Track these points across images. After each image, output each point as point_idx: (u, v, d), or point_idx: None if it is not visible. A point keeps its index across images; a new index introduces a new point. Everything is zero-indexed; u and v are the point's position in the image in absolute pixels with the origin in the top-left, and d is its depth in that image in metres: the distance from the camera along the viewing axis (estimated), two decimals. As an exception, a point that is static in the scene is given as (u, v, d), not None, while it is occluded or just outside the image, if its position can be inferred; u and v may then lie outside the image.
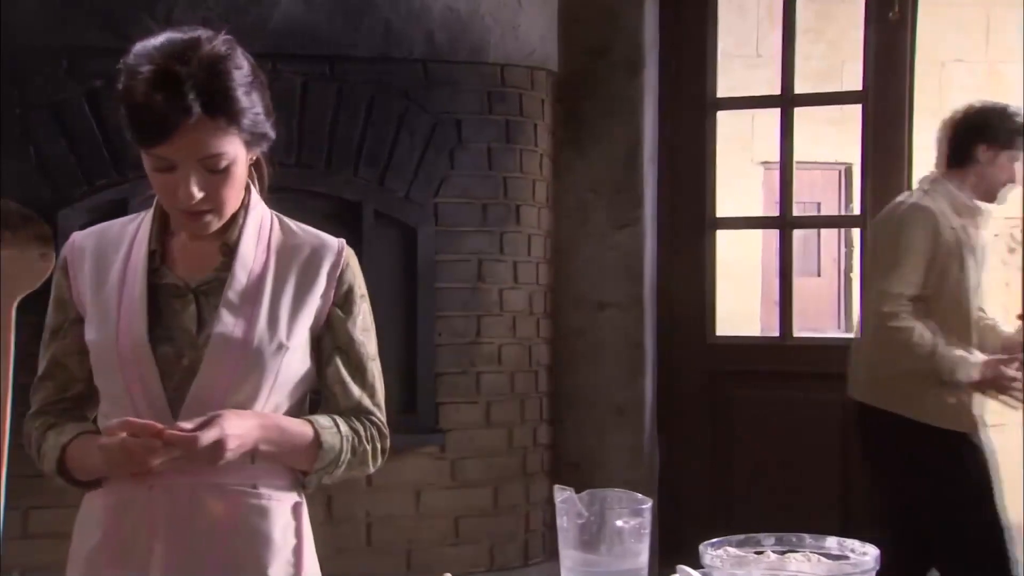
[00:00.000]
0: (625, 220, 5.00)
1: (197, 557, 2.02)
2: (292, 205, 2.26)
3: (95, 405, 2.14)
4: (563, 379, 5.00)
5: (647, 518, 1.86)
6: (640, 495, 1.88)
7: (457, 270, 4.66)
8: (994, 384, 3.88)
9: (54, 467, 2.06)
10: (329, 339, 2.12)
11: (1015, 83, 6.11)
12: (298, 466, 2.09)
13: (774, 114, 5.16)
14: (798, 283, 5.21)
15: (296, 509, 2.11)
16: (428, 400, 4.60)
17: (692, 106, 5.10)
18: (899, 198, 4.11)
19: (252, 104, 1.97)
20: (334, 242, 2.14)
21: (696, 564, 1.88)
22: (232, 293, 2.04)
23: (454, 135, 4.64)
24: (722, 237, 5.23)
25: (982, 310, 4.06)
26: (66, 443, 2.05)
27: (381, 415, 2.17)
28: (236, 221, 2.08)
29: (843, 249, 8.30)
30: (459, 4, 4.60)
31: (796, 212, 5.23)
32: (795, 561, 1.84)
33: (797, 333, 5.11)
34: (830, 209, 8.19)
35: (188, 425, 1.92)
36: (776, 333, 5.24)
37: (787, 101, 5.03)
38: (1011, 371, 3.86)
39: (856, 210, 6.62)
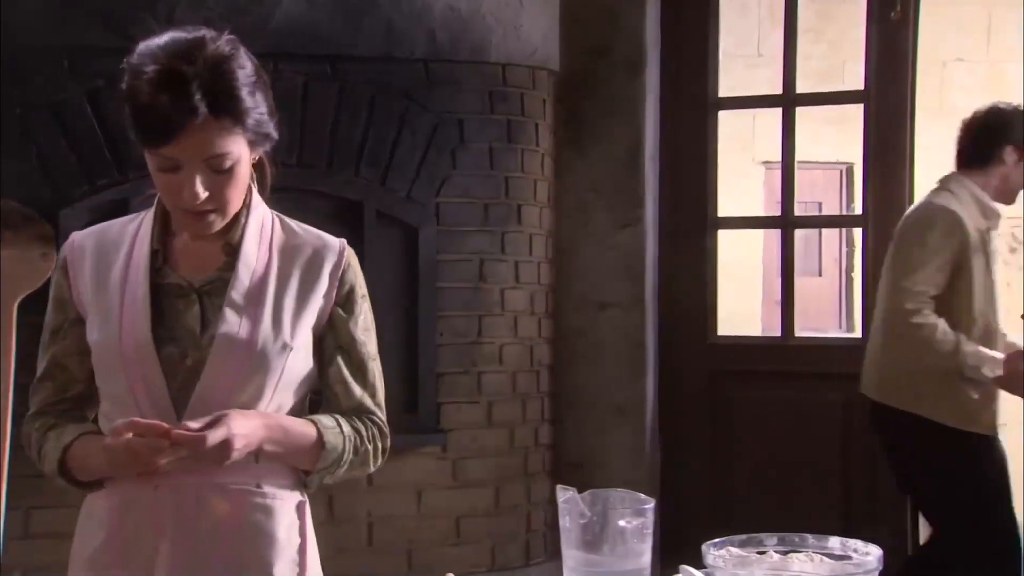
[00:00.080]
0: (626, 220, 5.00)
1: (202, 557, 2.02)
2: (293, 205, 2.26)
3: (95, 406, 2.14)
4: (564, 379, 5.00)
5: (650, 518, 1.86)
6: (643, 495, 1.88)
7: (458, 270, 4.66)
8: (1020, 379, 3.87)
9: (55, 468, 2.05)
10: (331, 339, 2.12)
11: (1016, 82, 6.11)
12: (301, 466, 2.10)
13: (775, 114, 5.15)
14: (799, 283, 5.20)
15: (300, 508, 2.12)
16: (429, 400, 4.60)
17: (693, 106, 5.09)
18: (926, 198, 4.12)
19: (256, 104, 1.97)
20: (335, 242, 2.15)
21: (697, 564, 1.88)
22: (236, 293, 2.04)
23: (455, 135, 4.64)
24: (723, 237, 5.22)
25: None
26: (68, 444, 2.04)
27: (382, 415, 2.17)
28: (238, 221, 2.07)
29: (844, 249, 8.30)
30: (460, 4, 4.60)
31: (797, 212, 5.23)
32: (798, 561, 1.85)
33: (798, 333, 5.11)
34: (831, 209, 8.19)
35: (194, 425, 1.92)
36: (777, 333, 5.24)
37: (789, 101, 5.02)
38: None
39: (858, 210, 6.64)
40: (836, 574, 1.80)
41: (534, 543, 4.83)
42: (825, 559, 1.85)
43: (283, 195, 2.19)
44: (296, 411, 2.11)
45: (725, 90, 5.20)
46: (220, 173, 1.97)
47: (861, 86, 4.96)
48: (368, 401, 2.15)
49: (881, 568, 1.81)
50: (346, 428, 2.10)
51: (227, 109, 1.93)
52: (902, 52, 4.78)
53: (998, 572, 3.93)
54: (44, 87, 4.22)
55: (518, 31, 4.73)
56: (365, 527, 4.52)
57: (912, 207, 4.13)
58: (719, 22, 5.13)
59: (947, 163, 5.77)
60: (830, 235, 8.45)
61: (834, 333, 7.73)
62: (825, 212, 8.17)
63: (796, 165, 5.05)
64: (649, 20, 5.02)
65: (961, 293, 3.92)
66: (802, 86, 5.03)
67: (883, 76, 4.81)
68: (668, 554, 2.85)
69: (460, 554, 4.61)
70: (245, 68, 1.97)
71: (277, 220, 2.14)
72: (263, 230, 2.11)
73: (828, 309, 8.33)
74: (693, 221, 5.10)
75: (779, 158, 5.11)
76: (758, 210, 7.45)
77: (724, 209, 5.27)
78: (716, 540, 1.85)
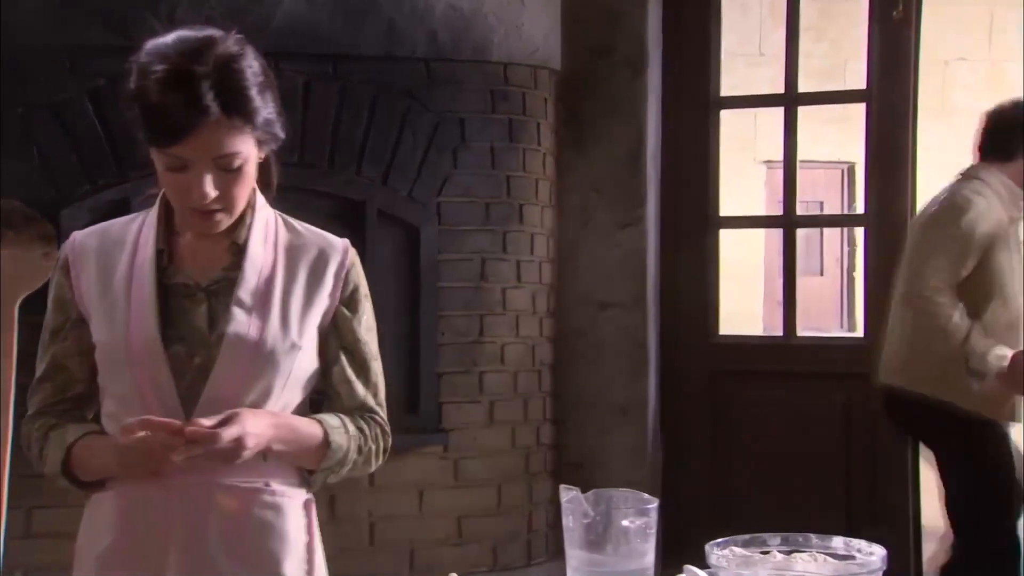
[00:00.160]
0: (628, 219, 4.99)
1: (213, 556, 2.02)
2: (295, 204, 2.25)
3: (94, 406, 2.13)
4: (566, 379, 5.00)
5: (653, 518, 1.85)
6: (646, 495, 1.87)
7: (460, 269, 4.65)
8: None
9: (58, 468, 2.04)
10: (335, 338, 2.13)
11: (1018, 82, 6.11)
12: (306, 465, 2.10)
13: (776, 113, 5.15)
14: (800, 282, 5.20)
15: (307, 506, 2.12)
16: (431, 400, 4.59)
17: (695, 105, 5.08)
18: (951, 187, 4.13)
19: (265, 103, 1.98)
20: (339, 242, 2.15)
21: (698, 564, 1.88)
22: (243, 292, 2.04)
23: (457, 134, 4.63)
24: (724, 237, 5.21)
25: None
26: (71, 444, 2.04)
27: (384, 414, 2.18)
28: (244, 220, 2.08)
29: (846, 248, 8.30)
30: (462, 3, 4.60)
31: (799, 211, 5.22)
32: (801, 561, 1.84)
33: (800, 333, 5.11)
34: (832, 208, 8.19)
35: (207, 422, 1.92)
36: (778, 333, 5.23)
37: (791, 100, 5.02)
38: None
39: (859, 209, 6.63)
40: (840, 574, 1.80)
41: (536, 543, 4.83)
42: (829, 559, 1.84)
43: (284, 195, 2.19)
44: (300, 410, 2.11)
45: (726, 89, 5.19)
46: (229, 172, 1.97)
47: (863, 85, 4.95)
48: (371, 400, 2.16)
49: (885, 568, 1.80)
50: (351, 428, 2.11)
51: (237, 108, 1.93)
52: (904, 51, 4.77)
53: (998, 571, 3.94)
54: (45, 87, 4.22)
55: (520, 30, 4.73)
56: (367, 527, 4.52)
57: (937, 196, 4.13)
58: (720, 21, 5.12)
59: (949, 162, 5.75)
60: (831, 234, 8.46)
61: (836, 332, 7.73)
62: (826, 211, 8.17)
63: (798, 164, 5.04)
64: (651, 19, 5.02)
65: (986, 283, 3.94)
66: (803, 85, 5.03)
67: (885, 75, 4.80)
68: (669, 554, 2.83)
69: (461, 554, 4.60)
70: (253, 67, 1.97)
71: (280, 220, 2.15)
72: (268, 230, 2.11)
73: (830, 309, 8.33)
74: (694, 220, 5.10)
75: (780, 157, 5.11)
76: (759, 209, 7.46)
77: (725, 208, 5.27)
78: (720, 540, 1.85)
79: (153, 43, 1.97)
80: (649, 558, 1.85)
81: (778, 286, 5.29)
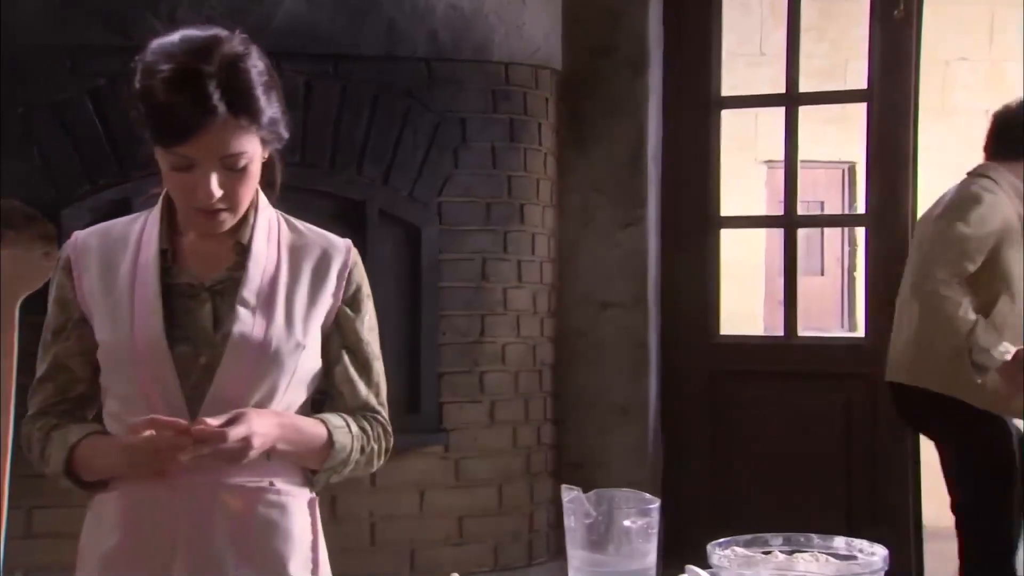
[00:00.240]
0: (629, 219, 4.99)
1: (218, 555, 2.02)
2: (296, 204, 2.25)
3: (95, 407, 2.13)
4: (567, 378, 5.00)
5: (655, 518, 1.85)
6: (648, 495, 1.87)
7: (461, 269, 4.65)
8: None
9: (61, 468, 2.04)
10: (337, 338, 2.13)
11: (1018, 82, 6.11)
12: (310, 465, 2.11)
13: (777, 113, 5.14)
14: (801, 282, 5.19)
15: (311, 505, 2.13)
16: (432, 399, 4.59)
17: (696, 105, 5.08)
18: (962, 183, 4.15)
19: (271, 102, 1.98)
20: (341, 242, 2.16)
21: (699, 564, 1.88)
22: (248, 292, 2.04)
23: (458, 134, 4.63)
24: (724, 236, 5.21)
25: None
26: (74, 443, 2.04)
27: (386, 414, 2.19)
28: (247, 220, 2.08)
29: (847, 248, 8.29)
30: (463, 3, 4.59)
31: (800, 211, 5.22)
32: (803, 561, 1.84)
33: (801, 332, 5.10)
34: (833, 208, 8.18)
35: (214, 422, 1.92)
36: (779, 332, 5.23)
37: (792, 100, 5.01)
38: None
39: (860, 209, 6.63)
40: (842, 574, 1.79)
41: (537, 543, 4.83)
42: (830, 559, 1.84)
43: (285, 194, 2.19)
44: (302, 410, 2.12)
45: (727, 89, 5.19)
46: (234, 172, 1.97)
47: (863, 85, 4.94)
48: (373, 400, 2.17)
49: (886, 568, 1.80)
50: (354, 428, 2.12)
51: (244, 108, 1.93)
52: (905, 51, 4.76)
53: (997, 571, 3.95)
54: (45, 87, 4.22)
55: (520, 30, 4.73)
56: (368, 527, 4.52)
57: (946, 194, 4.15)
58: (721, 21, 5.12)
59: (950, 162, 5.76)
60: (832, 234, 8.45)
61: (836, 332, 7.72)
62: (827, 211, 8.16)
63: (798, 164, 5.03)
64: (651, 19, 5.02)
65: (995, 279, 3.94)
66: (804, 85, 5.02)
67: (886, 75, 4.80)
68: (669, 554, 2.84)
69: (462, 554, 4.60)
70: (259, 67, 1.98)
71: (283, 220, 2.15)
72: (271, 229, 2.11)
73: (830, 309, 8.32)
74: (695, 220, 5.10)
75: (781, 157, 5.10)
76: (760, 209, 7.45)
77: (726, 208, 5.27)
78: (721, 540, 1.85)
79: (158, 42, 1.97)
80: (651, 558, 1.85)
81: (779, 286, 5.29)
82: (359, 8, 4.45)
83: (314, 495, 2.14)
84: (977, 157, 4.30)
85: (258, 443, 1.95)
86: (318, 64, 4.42)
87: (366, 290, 2.16)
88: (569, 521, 1.86)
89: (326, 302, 2.11)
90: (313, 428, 2.07)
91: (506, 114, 4.72)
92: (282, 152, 2.10)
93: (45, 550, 4.01)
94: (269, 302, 2.05)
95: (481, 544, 4.68)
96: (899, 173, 4.78)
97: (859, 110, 4.99)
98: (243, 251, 2.07)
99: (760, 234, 7.43)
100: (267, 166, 2.07)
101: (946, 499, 4.23)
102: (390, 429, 2.18)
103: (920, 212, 4.68)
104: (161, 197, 2.10)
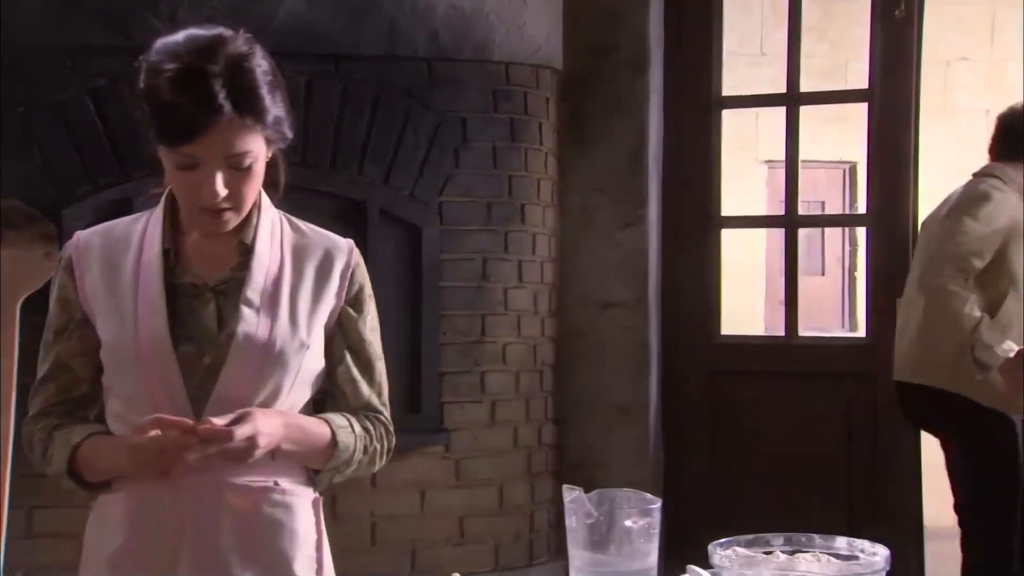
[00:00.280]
0: (630, 219, 4.99)
1: (224, 555, 2.02)
2: (297, 204, 2.25)
3: (96, 407, 2.13)
4: (567, 378, 4.99)
5: (656, 518, 1.85)
6: (649, 495, 1.87)
7: (461, 269, 4.65)
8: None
9: (63, 468, 2.04)
10: (340, 338, 2.13)
11: (1019, 81, 6.11)
12: (312, 465, 2.11)
13: (777, 113, 5.14)
14: (802, 282, 5.19)
15: (315, 505, 2.13)
16: (432, 399, 4.59)
17: (696, 105, 5.08)
18: (969, 183, 4.18)
19: (275, 102, 1.98)
20: (344, 242, 2.16)
21: (700, 563, 1.87)
22: (252, 292, 2.04)
23: (459, 134, 4.63)
24: (725, 236, 5.21)
25: None
26: (77, 443, 2.03)
27: (388, 414, 2.19)
28: (250, 220, 2.08)
29: (847, 248, 8.28)
30: (463, 2, 4.59)
31: (800, 211, 5.21)
32: (805, 561, 1.84)
33: (801, 332, 5.10)
34: (834, 208, 8.18)
35: (220, 421, 1.92)
36: (779, 332, 5.23)
37: (793, 99, 5.01)
38: None
39: (861, 209, 6.63)
40: (843, 574, 1.79)
41: (537, 543, 4.82)
42: (832, 559, 1.84)
43: (286, 194, 2.19)
44: (304, 411, 2.12)
45: (727, 89, 5.19)
46: (239, 171, 1.97)
47: (863, 85, 4.94)
48: (375, 400, 2.17)
49: (888, 568, 1.80)
50: (357, 427, 2.12)
51: (249, 107, 1.93)
52: (906, 51, 4.76)
53: (1000, 570, 3.95)
54: (46, 86, 4.22)
55: (521, 30, 4.73)
56: (368, 527, 4.51)
57: (952, 193, 4.16)
58: (722, 21, 5.12)
59: (950, 161, 5.76)
60: (833, 234, 8.44)
61: (837, 332, 7.72)
62: (828, 211, 8.15)
63: (799, 164, 5.03)
64: (652, 19, 5.02)
65: (1002, 277, 3.95)
66: (805, 85, 5.02)
67: (887, 75, 4.80)
68: (670, 554, 2.83)
69: (463, 554, 4.60)
70: (263, 66, 1.98)
71: (285, 220, 2.15)
72: (274, 230, 2.11)
73: (831, 309, 8.32)
74: (696, 220, 5.09)
75: (781, 157, 5.10)
76: (761, 209, 7.44)
77: (727, 208, 5.27)
78: (722, 540, 1.85)
79: (162, 41, 1.96)
80: (652, 558, 1.85)
81: (779, 286, 5.28)
82: (360, 8, 4.45)
83: (318, 495, 2.14)
84: (978, 157, 4.31)
85: (264, 442, 1.95)
86: (319, 64, 4.42)
87: (368, 290, 2.17)
88: (571, 521, 1.85)
89: (329, 302, 2.11)
90: (317, 428, 2.07)
91: (507, 114, 4.71)
92: (286, 152, 2.10)
93: (46, 550, 4.01)
94: (273, 302, 2.05)
95: (482, 544, 4.68)
96: (900, 173, 4.78)
97: (860, 110, 4.99)
98: (246, 251, 2.07)
99: (761, 234, 7.43)
100: (270, 166, 2.06)
101: (947, 499, 4.24)
102: (392, 429, 2.18)
103: (921, 212, 4.70)
104: (163, 197, 2.10)
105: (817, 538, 1.89)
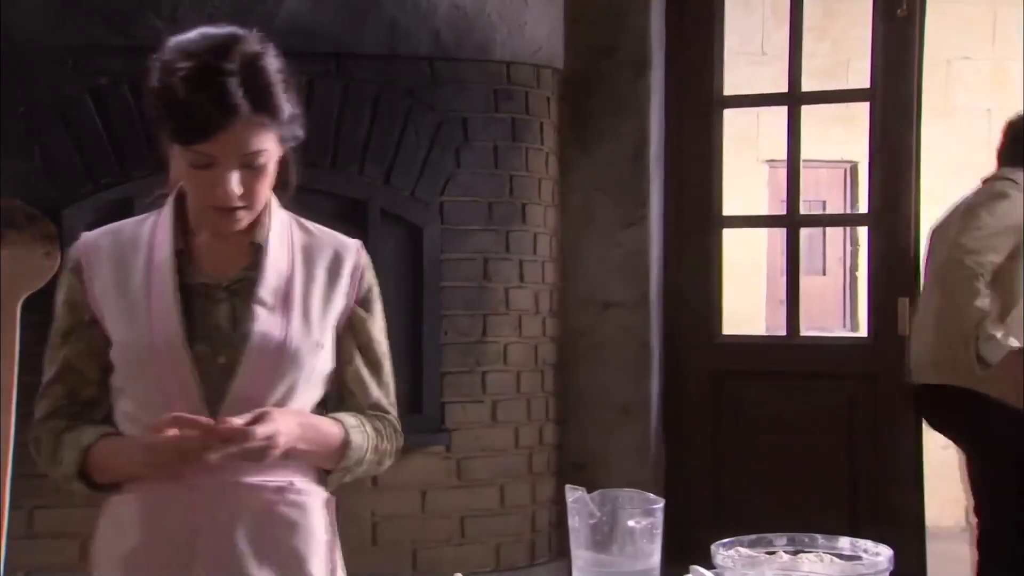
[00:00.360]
0: (631, 219, 4.99)
1: (240, 555, 2.02)
2: (297, 203, 2.25)
3: (104, 409, 2.12)
4: (569, 378, 4.99)
5: (659, 518, 1.85)
6: (652, 495, 1.87)
7: (462, 269, 4.65)
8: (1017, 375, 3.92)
9: (74, 471, 2.03)
10: (350, 338, 2.14)
11: (1021, 81, 6.10)
12: (324, 465, 2.12)
13: (778, 112, 5.13)
14: (803, 282, 5.18)
15: (328, 504, 2.14)
16: (433, 399, 4.59)
17: (698, 104, 5.08)
18: (981, 187, 4.19)
19: (289, 100, 1.99)
20: (352, 243, 2.17)
21: (701, 564, 1.87)
22: (265, 292, 2.05)
23: (460, 133, 4.63)
24: (726, 236, 5.20)
25: None
26: (88, 445, 2.03)
27: (396, 414, 2.20)
28: (261, 220, 2.08)
29: (849, 248, 8.28)
30: (465, 2, 4.59)
31: (802, 210, 5.21)
32: (808, 561, 1.83)
33: (803, 332, 5.10)
34: (835, 207, 8.17)
35: (238, 420, 1.91)
36: (781, 332, 5.22)
37: (794, 99, 5.00)
38: None
39: (862, 208, 6.62)
40: (846, 575, 1.79)
41: (539, 543, 4.82)
42: (835, 559, 1.84)
43: (282, 194, 2.19)
44: (316, 410, 2.13)
45: (729, 88, 5.18)
46: (252, 170, 1.97)
47: (866, 84, 4.94)
48: (384, 400, 2.18)
49: (891, 569, 1.80)
50: (368, 427, 2.13)
51: (264, 106, 1.94)
52: (908, 50, 4.75)
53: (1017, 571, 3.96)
54: (47, 86, 4.21)
55: (523, 29, 4.72)
56: (369, 527, 4.51)
57: (964, 198, 4.19)
58: (723, 20, 5.11)
59: (952, 161, 5.75)
60: (834, 234, 8.43)
61: (838, 332, 7.72)
62: (829, 211, 8.15)
63: (801, 164, 5.02)
64: (654, 18, 5.01)
65: (1014, 278, 3.97)
66: (806, 84, 5.02)
67: (889, 74, 4.79)
68: (672, 554, 2.83)
69: (464, 554, 4.60)
70: (276, 65, 1.98)
71: (293, 220, 2.15)
72: (284, 230, 2.12)
73: (832, 308, 8.31)
74: (697, 220, 5.09)
75: (782, 156, 5.09)
76: (762, 209, 7.43)
77: (728, 208, 5.26)
78: (725, 540, 1.84)
79: (176, 40, 1.96)
80: (655, 558, 1.85)
81: (781, 286, 5.28)
82: (361, 7, 4.45)
83: (330, 495, 2.15)
84: (979, 156, 4.32)
85: (282, 442, 1.95)
86: (320, 63, 4.42)
87: (376, 290, 2.18)
88: (573, 521, 1.85)
89: (340, 302, 2.12)
90: (331, 428, 2.08)
91: (508, 113, 4.71)
92: (297, 151, 2.10)
93: (47, 550, 4.00)
94: (286, 302, 2.05)
95: (483, 544, 4.67)
96: (901, 172, 4.77)
97: (861, 109, 4.98)
98: (258, 251, 2.07)
99: (762, 234, 7.42)
100: (281, 166, 2.06)
101: (948, 499, 4.23)
102: (400, 429, 2.19)
103: (923, 211, 4.70)
104: (171, 197, 2.10)
105: (820, 538, 1.89)
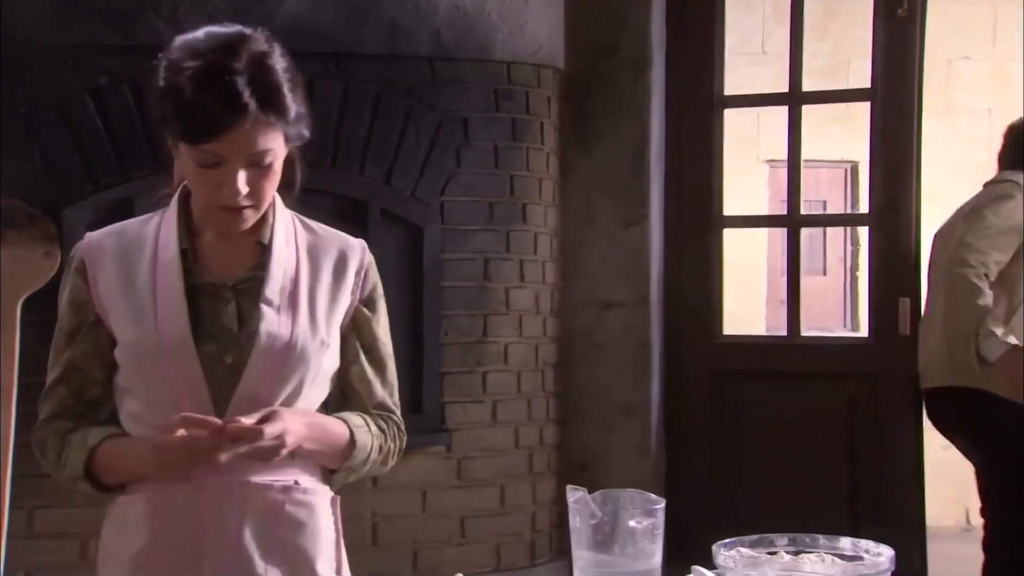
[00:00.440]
0: (632, 219, 4.99)
1: (247, 555, 2.02)
2: (298, 203, 2.25)
3: (107, 410, 2.11)
4: (569, 378, 4.99)
5: (660, 518, 1.85)
6: (653, 495, 1.87)
7: (463, 269, 4.65)
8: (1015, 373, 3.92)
9: (80, 471, 2.03)
10: (355, 338, 2.15)
11: (1021, 80, 6.10)
12: (330, 464, 2.12)
13: (779, 112, 5.13)
14: (804, 282, 5.18)
15: (333, 503, 2.14)
16: (434, 399, 4.59)
17: (698, 104, 5.07)
18: (985, 189, 4.23)
19: (295, 100, 1.99)
20: (356, 242, 2.18)
21: (702, 564, 1.87)
22: (271, 291, 2.05)
23: (460, 133, 4.62)
24: (727, 236, 5.20)
25: None
26: (95, 445, 2.03)
27: (399, 413, 2.20)
28: (266, 219, 2.08)
29: (849, 248, 8.28)
30: (465, 2, 4.59)
31: (803, 210, 5.20)
32: (809, 562, 1.83)
33: (803, 332, 5.09)
34: (836, 207, 8.17)
35: (247, 420, 1.91)
36: (781, 332, 5.22)
37: (795, 99, 5.00)
38: None
39: (863, 208, 6.62)
40: (848, 575, 1.79)
41: (539, 543, 4.82)
42: (837, 560, 1.84)
43: (287, 194, 2.18)
44: (319, 410, 2.13)
45: (729, 88, 5.18)
46: (259, 169, 1.97)
47: (866, 84, 4.93)
48: (388, 400, 2.19)
49: (893, 569, 1.79)
50: (373, 427, 2.14)
51: (272, 105, 1.94)
52: (909, 49, 4.75)
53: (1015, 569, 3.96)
54: (47, 85, 4.21)
55: (523, 29, 4.72)
56: (370, 527, 4.51)
57: (972, 198, 4.20)
58: (724, 20, 5.11)
59: (952, 161, 5.74)
60: (834, 234, 8.43)
61: (839, 332, 7.72)
62: (830, 211, 8.15)
63: (801, 163, 5.02)
64: (654, 18, 5.01)
65: (1018, 280, 3.97)
66: (807, 84, 5.01)
67: (890, 74, 4.79)
68: (672, 554, 2.83)
69: (465, 554, 4.59)
70: (283, 64, 1.99)
71: (297, 220, 2.16)
72: (288, 229, 2.12)
73: (833, 308, 8.31)
74: (698, 220, 5.09)
75: (783, 156, 5.09)
76: (762, 209, 7.44)
77: (729, 208, 5.25)
78: (727, 540, 1.85)
79: (182, 39, 1.96)
80: (656, 559, 1.85)
81: (781, 286, 5.27)
82: (361, 7, 4.45)
83: (336, 494, 2.15)
84: (980, 156, 4.33)
85: (290, 441, 1.95)
86: (320, 63, 4.41)
87: (380, 290, 2.19)
88: (575, 521, 1.85)
89: (345, 301, 2.12)
90: (337, 427, 2.09)
91: (508, 113, 4.71)
92: (303, 151, 2.10)
93: (47, 550, 3.99)
94: (292, 301, 2.06)
95: (483, 544, 4.67)
96: (902, 172, 4.77)
97: (862, 109, 4.98)
98: (263, 250, 2.07)
99: (763, 234, 7.42)
100: (287, 165, 2.06)
101: (948, 499, 4.23)
102: (403, 429, 2.20)
103: (923, 211, 4.69)
104: (176, 197, 2.10)
105: (821, 538, 1.89)
